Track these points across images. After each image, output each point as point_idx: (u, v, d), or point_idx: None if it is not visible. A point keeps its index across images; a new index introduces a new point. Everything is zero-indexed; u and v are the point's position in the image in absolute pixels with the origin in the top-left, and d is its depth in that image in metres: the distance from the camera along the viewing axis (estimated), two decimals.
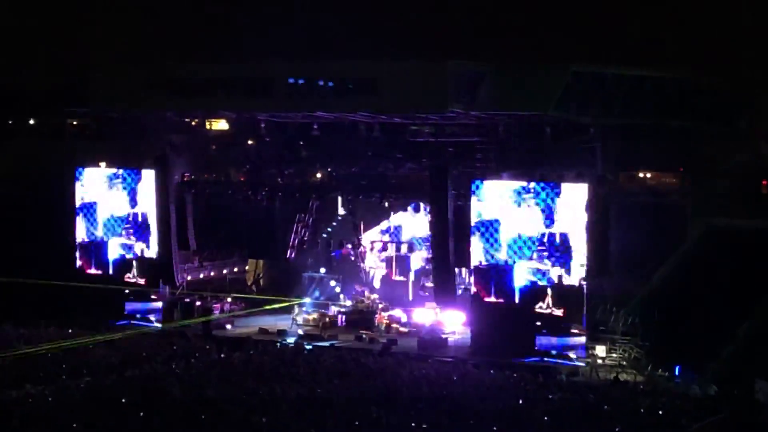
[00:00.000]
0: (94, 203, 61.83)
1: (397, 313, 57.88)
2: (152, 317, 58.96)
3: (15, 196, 68.34)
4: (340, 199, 62.67)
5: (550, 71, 52.35)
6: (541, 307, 51.05)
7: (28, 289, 58.41)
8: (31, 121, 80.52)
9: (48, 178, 68.39)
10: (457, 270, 54.59)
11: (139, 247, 60.75)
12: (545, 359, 49.97)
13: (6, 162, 74.48)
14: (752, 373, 43.58)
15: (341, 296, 61.30)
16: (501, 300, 51.98)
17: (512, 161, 54.83)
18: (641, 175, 61.46)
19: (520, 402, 41.25)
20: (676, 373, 46.36)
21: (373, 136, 58.18)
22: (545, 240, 51.47)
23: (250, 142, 64.53)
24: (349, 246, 62.28)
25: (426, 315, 56.84)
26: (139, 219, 60.84)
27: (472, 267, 53.27)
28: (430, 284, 57.36)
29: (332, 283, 62.33)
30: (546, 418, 38.89)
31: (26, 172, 71.26)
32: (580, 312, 50.38)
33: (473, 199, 53.10)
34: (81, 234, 61.96)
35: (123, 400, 40.12)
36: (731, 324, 48.42)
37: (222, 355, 50.15)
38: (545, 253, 51.45)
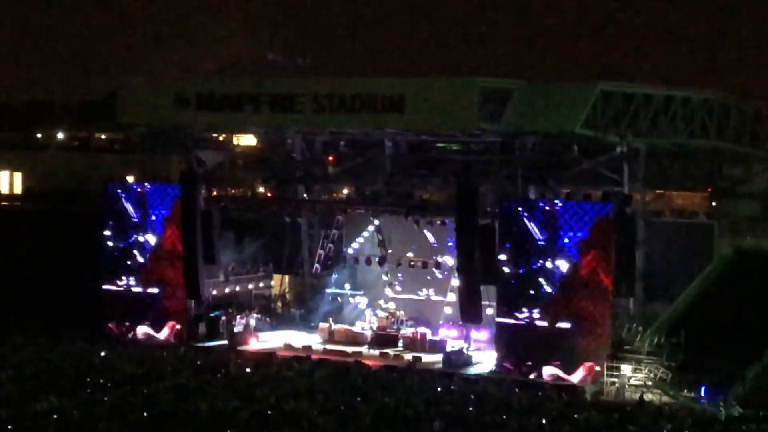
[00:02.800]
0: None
1: (422, 329, 57.78)
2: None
3: (44, 208, 68.72)
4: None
5: (578, 89, 52.31)
6: None
7: (55, 301, 58.74)
8: (60, 135, 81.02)
9: (76, 191, 68.77)
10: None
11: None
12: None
13: (35, 176, 74.99)
14: None
15: (366, 312, 61.27)
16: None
17: (538, 180, 54.67)
18: (668, 194, 61.24)
19: (544, 421, 41.09)
20: (702, 393, 46.15)
21: (400, 152, 58.20)
22: None
23: (277, 158, 64.67)
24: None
25: (451, 332, 56.79)
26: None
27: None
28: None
29: (357, 299, 62.34)
30: None
31: (54, 185, 71.70)
32: None
33: None
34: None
35: (146, 415, 40.15)
36: (757, 346, 48.19)
37: (247, 370, 50.14)
38: None
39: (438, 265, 60.46)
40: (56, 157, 76.68)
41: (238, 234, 63.32)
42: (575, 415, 42.33)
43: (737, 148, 59.53)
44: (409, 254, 61.64)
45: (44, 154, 77.67)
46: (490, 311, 54.72)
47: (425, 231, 60.41)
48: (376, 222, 62.32)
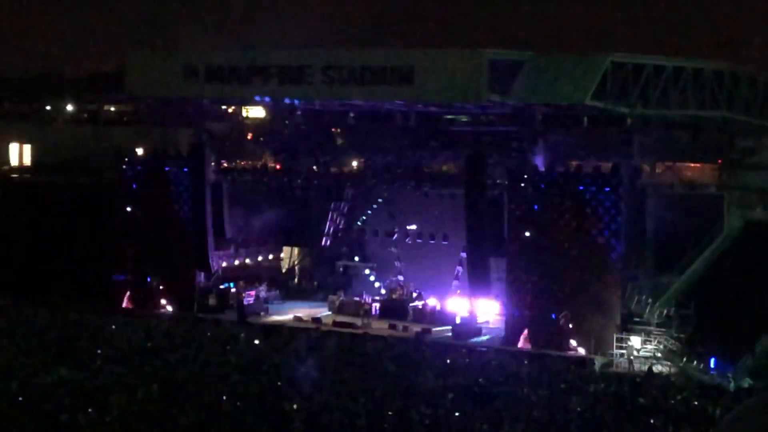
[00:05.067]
0: None
1: (432, 301, 57.83)
2: None
3: (53, 182, 68.68)
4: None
5: (588, 61, 52.08)
6: None
7: (67, 274, 58.84)
8: (69, 107, 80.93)
9: (86, 164, 68.72)
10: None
11: None
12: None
13: (45, 148, 74.94)
14: None
15: (376, 284, 61.31)
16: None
17: (548, 151, 54.53)
18: (678, 166, 61.04)
19: (553, 393, 41.10)
20: (711, 365, 46.14)
21: (409, 125, 58.16)
22: None
23: (286, 130, 64.58)
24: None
25: (460, 304, 56.84)
26: None
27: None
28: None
29: (366, 271, 62.38)
30: (580, 408, 38.74)
31: (64, 157, 71.61)
32: None
33: None
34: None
35: (157, 387, 40.23)
36: (766, 318, 48.10)
37: (257, 342, 50.21)
38: None
39: (446, 238, 60.45)
40: (65, 130, 76.59)
41: (247, 206, 63.31)
42: (585, 387, 42.35)
43: (748, 120, 59.26)
44: (418, 226, 61.62)
45: (53, 127, 77.59)
46: (498, 283, 54.71)
47: (434, 203, 60.38)
48: (386, 194, 62.26)
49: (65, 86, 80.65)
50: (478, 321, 54.89)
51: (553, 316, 50.59)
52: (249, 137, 66.86)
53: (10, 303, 56.12)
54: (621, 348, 49.12)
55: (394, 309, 57.84)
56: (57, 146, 73.93)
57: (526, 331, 50.96)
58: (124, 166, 61.67)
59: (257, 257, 64.90)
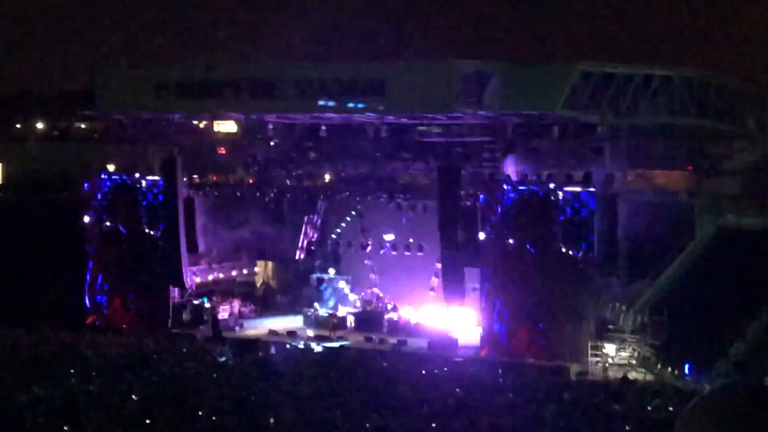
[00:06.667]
0: None
1: (407, 313, 57.81)
2: None
3: (24, 200, 68.43)
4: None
5: (558, 70, 52.35)
6: None
7: (36, 292, 58.54)
8: (40, 125, 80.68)
9: (57, 181, 68.48)
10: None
11: None
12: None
13: (15, 166, 74.67)
14: (761, 372, 43.47)
15: (351, 297, 61.28)
16: None
17: (520, 161, 54.74)
18: (650, 173, 61.30)
19: (529, 402, 41.14)
20: (686, 371, 46.30)
21: (381, 136, 58.25)
22: None
23: (258, 144, 64.56)
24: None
25: (436, 315, 56.84)
26: None
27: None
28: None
29: (341, 284, 62.36)
30: (556, 417, 38.78)
31: (35, 175, 71.37)
32: None
33: None
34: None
35: (131, 403, 40.06)
36: (740, 323, 48.34)
37: (232, 357, 50.09)
38: None
39: (421, 249, 60.51)
40: (36, 148, 76.36)
41: (220, 221, 63.19)
42: (560, 395, 42.43)
43: (718, 126, 59.60)
44: (392, 238, 61.67)
45: (24, 145, 77.35)
46: (473, 293, 54.78)
47: (408, 214, 60.45)
48: (359, 207, 62.30)
49: (35, 104, 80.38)
50: (454, 332, 54.87)
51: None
52: (221, 152, 66.76)
53: None
54: (596, 356, 49.24)
55: (370, 321, 57.82)
56: (28, 164, 73.67)
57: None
58: (95, 183, 61.49)
59: (231, 272, 64.76)
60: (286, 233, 64.84)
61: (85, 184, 62.12)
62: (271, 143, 63.07)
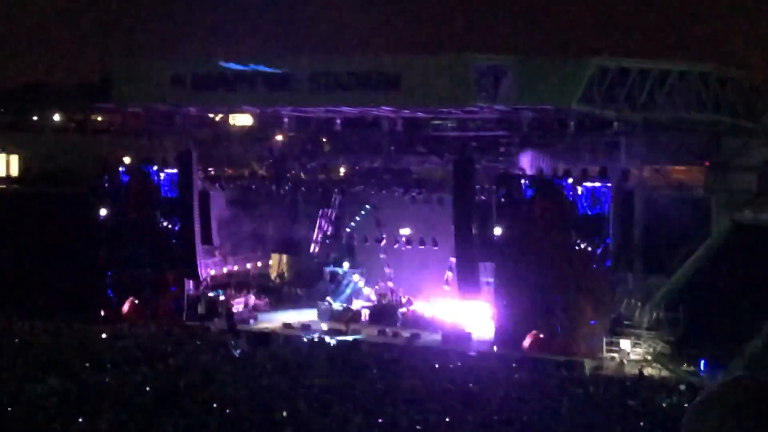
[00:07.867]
0: None
1: (421, 307, 57.77)
2: None
3: (41, 192, 68.54)
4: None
5: (574, 65, 52.19)
6: None
7: (52, 284, 58.67)
8: (56, 117, 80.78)
9: (73, 173, 68.56)
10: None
11: None
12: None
13: (31, 158, 74.79)
14: None
15: (365, 290, 61.25)
16: None
17: (536, 155, 54.64)
18: (666, 169, 61.09)
19: (543, 396, 41.09)
20: (702, 367, 46.18)
21: (396, 130, 58.18)
22: None
23: (273, 137, 64.56)
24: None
25: (450, 308, 56.75)
26: None
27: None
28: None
29: (356, 277, 62.33)
30: (570, 412, 38.74)
31: (51, 168, 71.47)
32: None
33: None
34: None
35: (146, 396, 40.13)
36: (756, 319, 48.18)
37: (246, 349, 50.12)
38: None
39: (436, 243, 60.42)
40: (53, 139, 76.41)
41: (235, 214, 63.24)
42: (575, 390, 42.36)
43: (735, 121, 59.37)
44: (407, 232, 61.58)
45: (41, 136, 77.41)
46: (487, 288, 54.72)
47: (423, 208, 60.35)
48: (374, 200, 62.23)
49: (52, 96, 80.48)
50: (469, 326, 54.82)
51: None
52: (236, 145, 66.75)
53: None
54: (611, 351, 49.14)
55: (384, 315, 57.81)
56: (44, 156, 73.74)
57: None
58: (111, 175, 61.64)
59: (245, 265, 64.80)
60: (301, 226, 64.83)
61: (104, 177, 62.21)
62: (286, 136, 63.03)
